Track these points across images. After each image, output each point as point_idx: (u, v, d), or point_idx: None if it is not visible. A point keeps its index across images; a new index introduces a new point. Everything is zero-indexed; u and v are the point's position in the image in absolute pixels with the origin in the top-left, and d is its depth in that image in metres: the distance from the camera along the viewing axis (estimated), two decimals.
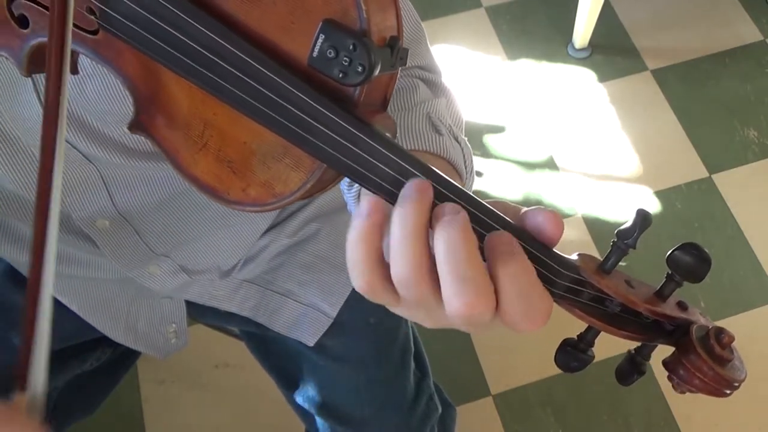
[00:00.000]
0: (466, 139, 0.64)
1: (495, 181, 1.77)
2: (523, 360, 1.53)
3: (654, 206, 1.73)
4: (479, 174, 1.78)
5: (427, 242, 0.37)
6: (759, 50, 1.96)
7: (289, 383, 0.97)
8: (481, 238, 0.39)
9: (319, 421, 0.95)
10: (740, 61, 1.94)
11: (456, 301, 0.37)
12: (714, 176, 1.77)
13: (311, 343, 0.91)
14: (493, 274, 0.37)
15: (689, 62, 1.94)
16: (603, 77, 1.93)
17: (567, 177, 1.78)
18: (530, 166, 1.80)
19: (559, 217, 0.39)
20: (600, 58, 1.95)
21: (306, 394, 0.95)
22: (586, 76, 1.93)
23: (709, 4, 2.04)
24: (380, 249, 0.38)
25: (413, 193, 0.37)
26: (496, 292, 0.37)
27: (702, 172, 1.78)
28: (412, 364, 0.98)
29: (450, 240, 0.36)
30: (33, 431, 0.53)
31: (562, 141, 1.83)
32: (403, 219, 0.37)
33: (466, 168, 0.61)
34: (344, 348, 0.93)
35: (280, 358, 0.97)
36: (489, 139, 1.83)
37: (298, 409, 0.98)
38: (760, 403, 1.50)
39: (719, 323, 0.43)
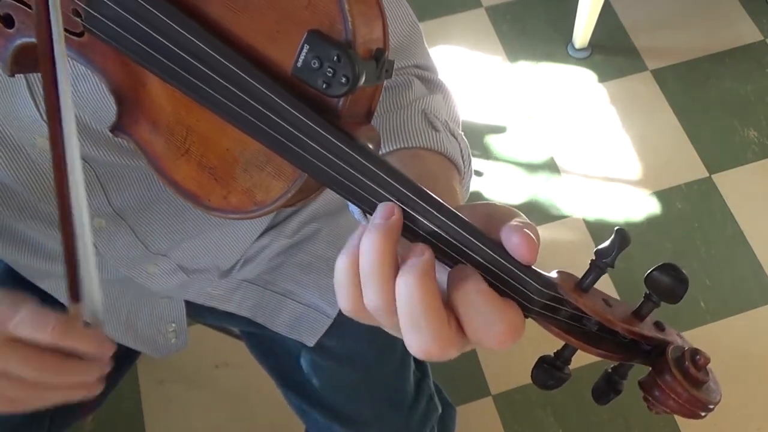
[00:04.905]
0: (462, 134, 0.64)
1: (495, 181, 1.77)
2: (523, 360, 1.52)
3: (654, 206, 1.73)
4: (479, 174, 1.78)
5: (395, 270, 0.37)
6: (759, 50, 1.96)
7: (289, 383, 0.97)
8: (454, 257, 0.39)
9: (319, 421, 0.95)
10: (740, 61, 1.94)
11: (412, 346, 0.37)
12: (714, 176, 1.77)
13: (311, 343, 0.91)
14: (451, 302, 0.38)
15: (689, 62, 1.94)
16: (603, 77, 1.92)
17: (567, 177, 1.78)
18: (530, 166, 1.80)
19: (533, 240, 0.38)
20: (600, 58, 1.95)
21: (306, 394, 0.95)
22: (586, 76, 1.93)
23: (709, 4, 2.03)
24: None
25: (380, 220, 0.38)
26: (458, 319, 0.37)
27: (702, 172, 1.78)
28: (412, 364, 0.98)
29: (408, 287, 0.36)
30: (92, 340, 0.52)
31: (562, 141, 1.83)
32: (369, 249, 0.37)
33: (463, 163, 0.61)
34: (344, 348, 0.93)
35: (280, 358, 0.97)
36: (489, 140, 1.83)
37: (298, 409, 0.98)
38: (759, 404, 1.50)
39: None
